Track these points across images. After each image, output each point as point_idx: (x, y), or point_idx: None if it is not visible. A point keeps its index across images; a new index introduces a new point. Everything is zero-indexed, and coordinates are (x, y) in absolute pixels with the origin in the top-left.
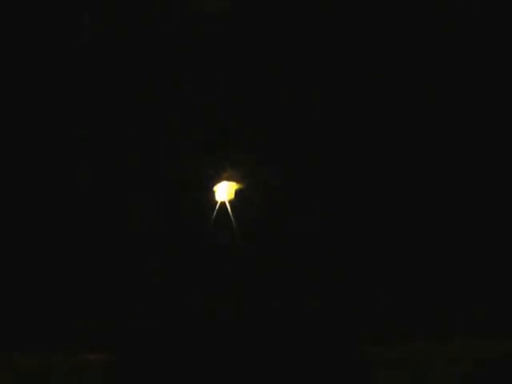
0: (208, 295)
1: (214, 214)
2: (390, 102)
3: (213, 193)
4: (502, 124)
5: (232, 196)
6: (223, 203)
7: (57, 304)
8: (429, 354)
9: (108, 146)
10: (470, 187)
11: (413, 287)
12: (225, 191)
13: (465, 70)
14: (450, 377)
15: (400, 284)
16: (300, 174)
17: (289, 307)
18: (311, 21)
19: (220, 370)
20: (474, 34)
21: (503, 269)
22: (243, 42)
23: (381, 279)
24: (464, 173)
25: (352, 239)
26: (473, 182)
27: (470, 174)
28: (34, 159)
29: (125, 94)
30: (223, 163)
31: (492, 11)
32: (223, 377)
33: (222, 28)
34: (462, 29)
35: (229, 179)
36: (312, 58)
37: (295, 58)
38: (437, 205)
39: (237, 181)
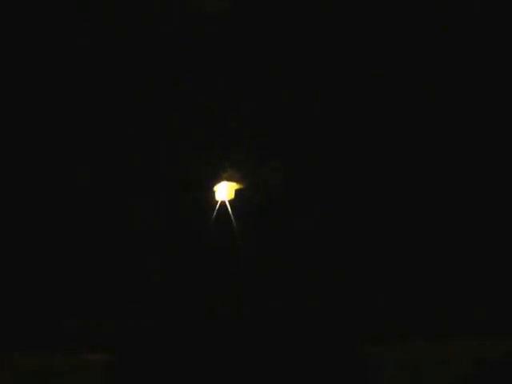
0: (208, 295)
1: (214, 213)
2: (389, 102)
3: (213, 193)
4: (502, 124)
5: (232, 196)
6: (223, 203)
7: (57, 304)
8: (429, 353)
9: (108, 146)
10: (470, 187)
11: (413, 287)
12: (225, 191)
13: (465, 69)
14: (450, 377)
15: (400, 284)
16: (300, 174)
17: (289, 307)
18: (311, 21)
19: (220, 369)
20: (474, 34)
21: (503, 269)
22: (243, 41)
23: (381, 279)
24: (464, 173)
25: (352, 239)
26: (473, 183)
27: (469, 174)
28: (34, 159)
29: (125, 94)
30: (223, 163)
31: (492, 11)
32: (223, 377)
33: (221, 28)
34: (462, 29)
35: (229, 179)
36: (312, 57)
37: (295, 57)
38: (436, 205)
39: (237, 181)
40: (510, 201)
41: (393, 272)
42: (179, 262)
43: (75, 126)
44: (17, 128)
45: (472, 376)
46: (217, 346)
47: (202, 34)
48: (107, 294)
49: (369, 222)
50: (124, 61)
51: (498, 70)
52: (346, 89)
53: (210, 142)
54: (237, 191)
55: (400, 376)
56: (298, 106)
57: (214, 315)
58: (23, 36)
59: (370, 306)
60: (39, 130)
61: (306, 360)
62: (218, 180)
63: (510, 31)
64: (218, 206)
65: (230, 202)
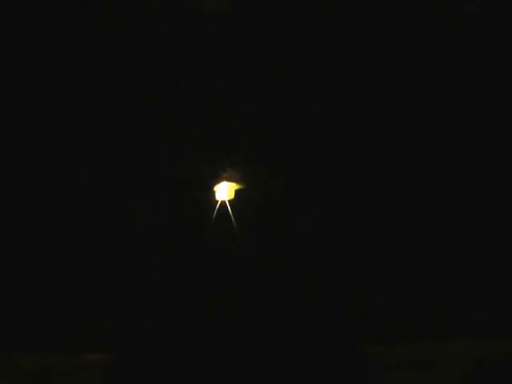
0: (208, 295)
1: (214, 213)
2: (389, 102)
3: (213, 193)
4: (502, 124)
5: (232, 196)
6: (223, 203)
7: (57, 304)
8: (429, 353)
9: (108, 146)
10: (470, 188)
11: (413, 287)
12: (225, 191)
13: (465, 69)
14: (450, 377)
15: (400, 284)
16: (300, 174)
17: (289, 307)
18: (311, 21)
19: (220, 369)
20: (474, 34)
21: (503, 269)
22: (243, 41)
23: (381, 279)
24: (464, 173)
25: (352, 239)
26: (473, 183)
27: (469, 175)
28: (34, 159)
29: (125, 94)
30: (223, 163)
31: (492, 11)
32: (223, 376)
33: (221, 28)
34: (462, 29)
35: (229, 179)
36: (312, 57)
37: (295, 57)
38: (436, 205)
39: (237, 181)
40: (510, 201)
41: (393, 272)
42: (179, 261)
43: (75, 125)
44: (17, 128)
45: (472, 376)
46: (217, 346)
47: (202, 34)
48: (107, 294)
49: (369, 222)
50: (124, 61)
51: (498, 70)
52: (346, 89)
53: (209, 142)
54: (237, 191)
55: (400, 376)
56: (297, 106)
57: (213, 315)
58: (23, 36)
59: (370, 306)
60: (39, 130)
61: (306, 360)
62: (217, 180)
63: (510, 31)
64: (218, 205)
65: (229, 201)
